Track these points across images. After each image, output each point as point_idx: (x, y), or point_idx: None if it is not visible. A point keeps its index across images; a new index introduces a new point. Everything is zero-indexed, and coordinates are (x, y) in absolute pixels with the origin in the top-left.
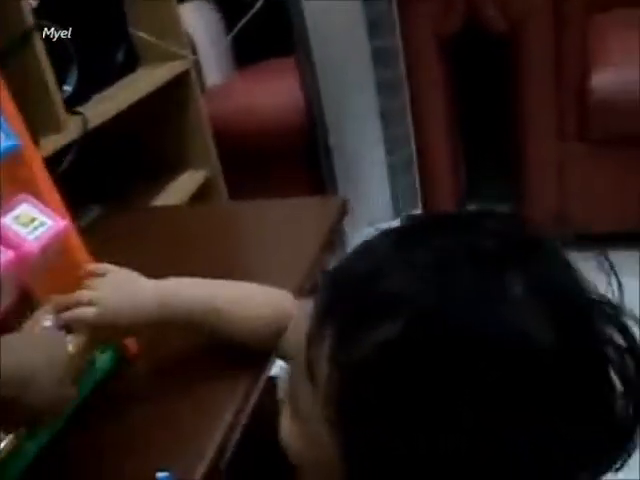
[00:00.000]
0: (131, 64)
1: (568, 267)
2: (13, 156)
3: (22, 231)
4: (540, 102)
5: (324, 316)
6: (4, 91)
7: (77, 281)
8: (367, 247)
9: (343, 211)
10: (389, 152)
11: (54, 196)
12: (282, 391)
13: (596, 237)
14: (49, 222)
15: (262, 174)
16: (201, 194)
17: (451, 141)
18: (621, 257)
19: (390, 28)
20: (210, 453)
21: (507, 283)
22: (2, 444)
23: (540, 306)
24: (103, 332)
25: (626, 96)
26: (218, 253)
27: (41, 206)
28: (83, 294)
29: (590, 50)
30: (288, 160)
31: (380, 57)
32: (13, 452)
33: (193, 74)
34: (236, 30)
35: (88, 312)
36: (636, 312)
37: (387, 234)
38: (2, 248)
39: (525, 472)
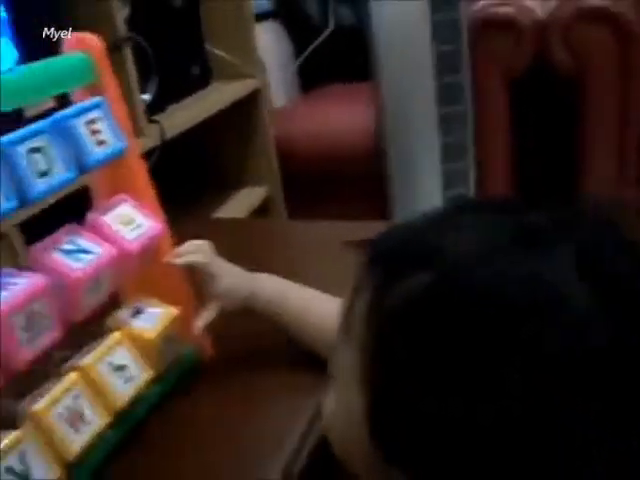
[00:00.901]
0: (205, 79)
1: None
2: (119, 157)
3: (122, 230)
4: (602, 147)
5: (365, 269)
6: (117, 92)
7: (164, 284)
8: (412, 217)
9: None
10: (446, 187)
11: (151, 199)
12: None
13: None
14: (147, 224)
15: (322, 196)
16: (261, 211)
17: (510, 181)
18: None
19: (458, 64)
20: (285, 456)
21: (553, 255)
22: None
23: (588, 281)
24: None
25: None
26: (277, 266)
27: (139, 207)
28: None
29: None
30: (349, 185)
31: (446, 93)
32: (97, 439)
33: (263, 93)
34: (305, 55)
35: (199, 257)
36: None
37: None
38: (106, 245)
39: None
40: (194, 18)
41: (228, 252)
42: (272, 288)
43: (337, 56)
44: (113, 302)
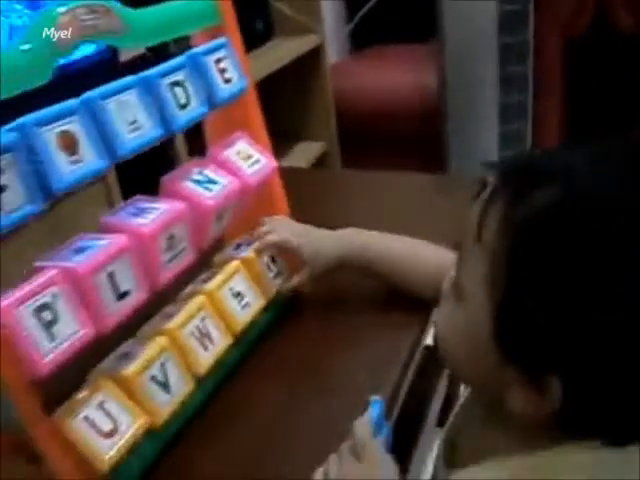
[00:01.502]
0: (268, 33)
1: None
2: (243, 95)
3: (243, 165)
4: None
5: (499, 185)
6: (237, 34)
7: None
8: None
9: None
10: (502, 148)
11: (264, 136)
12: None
13: None
14: (263, 159)
15: (375, 153)
16: (317, 165)
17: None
18: None
19: (522, 24)
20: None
21: None
22: None
23: None
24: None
25: None
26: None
27: (255, 145)
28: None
29: None
30: (403, 142)
31: (508, 53)
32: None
33: (323, 49)
34: (358, 17)
35: (286, 236)
36: None
37: None
38: (230, 177)
39: None
40: None
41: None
42: (367, 242)
43: (387, 17)
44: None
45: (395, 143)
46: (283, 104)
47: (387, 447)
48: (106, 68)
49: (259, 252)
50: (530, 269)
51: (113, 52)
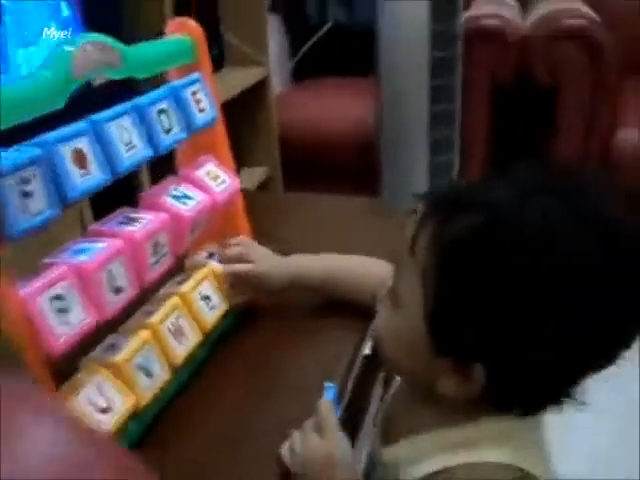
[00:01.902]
0: (220, 62)
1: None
2: (213, 124)
3: (212, 184)
4: (570, 152)
5: (429, 211)
6: (209, 69)
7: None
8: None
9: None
10: (432, 178)
11: (230, 160)
12: (382, 293)
13: None
14: (228, 180)
15: (317, 179)
16: (262, 189)
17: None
18: None
19: (451, 69)
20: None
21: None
22: None
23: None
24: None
25: None
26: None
27: (221, 167)
28: (244, 253)
29: (620, 109)
30: (340, 170)
31: (438, 93)
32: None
33: (269, 81)
34: (302, 52)
35: (250, 266)
36: None
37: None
38: (201, 194)
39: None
40: (212, 3)
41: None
42: (312, 266)
43: (329, 52)
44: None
45: (333, 171)
46: (231, 132)
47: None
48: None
49: (226, 272)
50: (455, 281)
51: None
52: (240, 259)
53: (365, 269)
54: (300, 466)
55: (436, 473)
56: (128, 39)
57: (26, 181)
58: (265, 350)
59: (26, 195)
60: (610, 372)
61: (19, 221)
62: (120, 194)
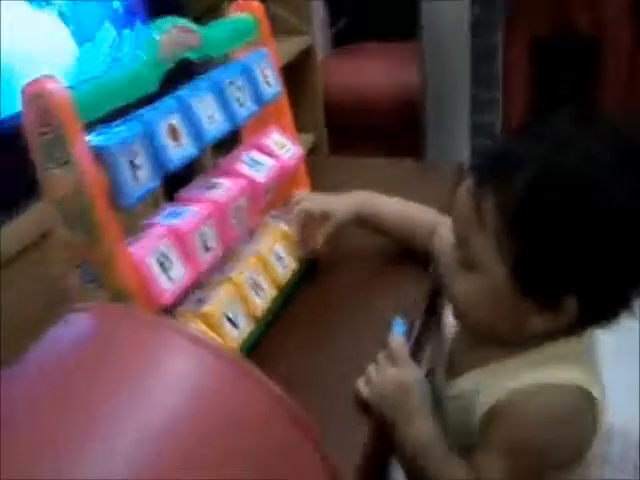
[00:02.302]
0: None
1: None
2: (278, 97)
3: (279, 151)
4: (612, 104)
5: (482, 176)
6: (272, 42)
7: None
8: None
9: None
10: (473, 137)
11: (293, 130)
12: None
13: None
14: (294, 148)
15: (360, 143)
16: (309, 155)
17: None
18: None
19: (492, 27)
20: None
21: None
22: None
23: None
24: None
25: None
26: None
27: (286, 135)
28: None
29: None
30: (383, 135)
31: (480, 52)
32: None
33: (314, 50)
34: (342, 22)
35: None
36: None
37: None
38: (271, 160)
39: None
40: None
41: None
42: (374, 199)
43: (368, 18)
44: None
45: (376, 135)
46: None
47: None
48: None
49: (295, 218)
50: (531, 235)
51: None
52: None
53: (421, 213)
54: (377, 396)
55: (510, 394)
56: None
57: (135, 154)
58: (335, 295)
59: (135, 167)
60: None
61: (132, 191)
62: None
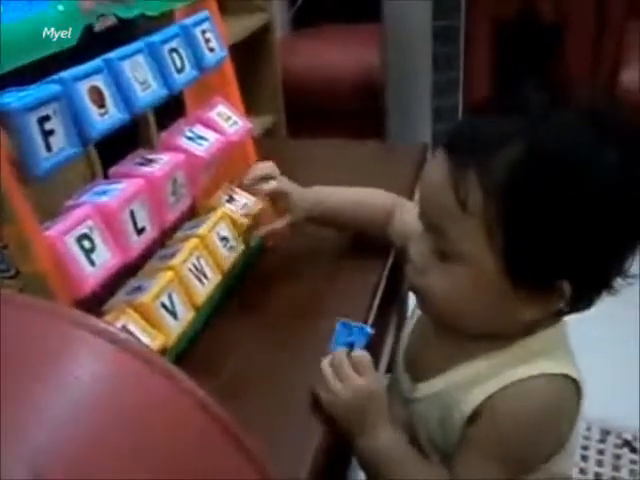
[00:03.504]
0: (220, 9)
1: None
2: (222, 63)
3: (224, 124)
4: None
5: (464, 159)
6: (216, 8)
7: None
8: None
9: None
10: (435, 121)
11: (239, 102)
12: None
13: None
14: (240, 121)
15: (321, 125)
16: (267, 137)
17: None
18: None
19: (455, 9)
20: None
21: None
22: None
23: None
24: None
25: None
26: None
27: (232, 108)
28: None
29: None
30: (343, 116)
31: (441, 36)
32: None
33: (272, 27)
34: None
35: (276, 184)
36: None
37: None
38: (214, 133)
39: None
40: None
41: None
42: (330, 193)
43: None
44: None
45: (336, 118)
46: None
47: None
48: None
49: (260, 196)
50: (523, 214)
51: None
52: (265, 178)
53: (376, 199)
54: (342, 406)
55: (489, 397)
56: None
57: (47, 118)
58: (282, 286)
59: (48, 133)
60: None
61: (43, 160)
62: (127, 141)
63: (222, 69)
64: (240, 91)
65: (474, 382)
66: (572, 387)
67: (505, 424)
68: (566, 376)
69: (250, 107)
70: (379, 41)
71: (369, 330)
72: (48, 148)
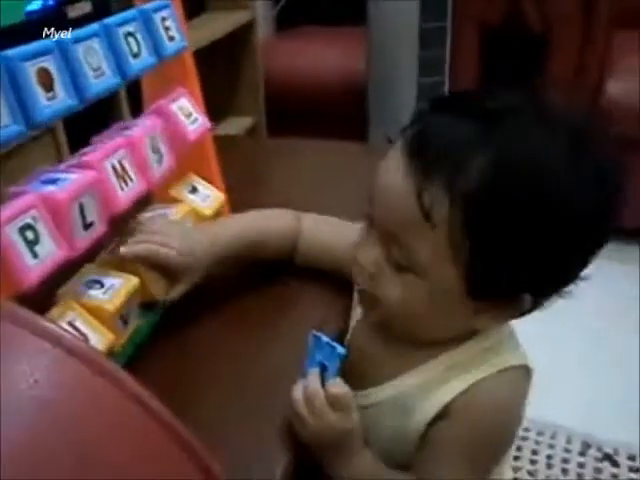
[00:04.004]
0: (196, 9)
1: None
2: (179, 55)
3: (185, 121)
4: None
5: (430, 167)
6: (179, 2)
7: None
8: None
9: None
10: None
11: (200, 98)
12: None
13: None
14: (200, 119)
15: (300, 126)
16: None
17: None
18: None
19: (442, 13)
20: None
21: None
22: None
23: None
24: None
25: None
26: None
27: (194, 103)
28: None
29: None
30: (326, 119)
31: (427, 38)
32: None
33: (255, 26)
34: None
35: (171, 254)
36: None
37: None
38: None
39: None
40: None
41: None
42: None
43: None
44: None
45: (318, 120)
46: (213, 78)
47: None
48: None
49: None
50: (493, 227)
51: (59, 8)
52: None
53: (272, 222)
54: (315, 438)
55: (457, 396)
56: None
57: None
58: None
59: None
60: None
61: None
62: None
63: (183, 61)
64: (220, 91)
65: (430, 386)
66: (527, 376)
67: (476, 422)
68: (522, 366)
69: (231, 107)
70: (364, 43)
71: (341, 351)
72: None
